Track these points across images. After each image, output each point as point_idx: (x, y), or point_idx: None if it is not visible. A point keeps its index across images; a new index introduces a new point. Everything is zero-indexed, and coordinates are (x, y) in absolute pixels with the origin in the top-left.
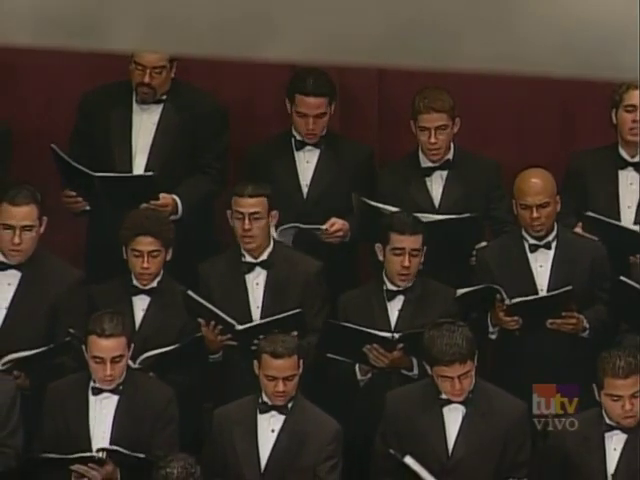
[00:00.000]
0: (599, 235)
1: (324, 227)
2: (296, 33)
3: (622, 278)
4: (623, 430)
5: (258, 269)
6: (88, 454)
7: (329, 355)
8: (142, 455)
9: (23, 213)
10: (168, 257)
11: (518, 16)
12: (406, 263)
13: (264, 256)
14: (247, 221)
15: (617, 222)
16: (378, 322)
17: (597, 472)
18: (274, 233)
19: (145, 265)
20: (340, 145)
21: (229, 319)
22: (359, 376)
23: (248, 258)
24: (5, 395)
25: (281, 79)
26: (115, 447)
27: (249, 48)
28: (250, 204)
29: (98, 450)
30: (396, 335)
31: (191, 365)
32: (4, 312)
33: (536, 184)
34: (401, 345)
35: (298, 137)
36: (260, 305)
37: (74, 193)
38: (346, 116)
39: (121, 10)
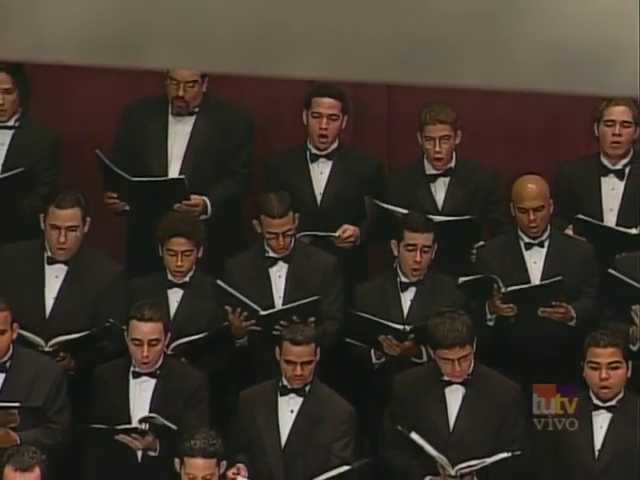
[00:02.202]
0: (588, 236)
1: (337, 234)
2: (314, 52)
3: (610, 270)
4: (608, 409)
5: (280, 263)
6: (131, 425)
7: (348, 340)
8: (175, 427)
9: (68, 215)
10: (199, 255)
11: (513, 38)
12: (418, 258)
13: (285, 251)
14: (281, 239)
15: (605, 224)
16: (392, 311)
17: (585, 448)
18: None
19: (179, 263)
20: (351, 157)
21: (254, 305)
22: (374, 360)
23: (271, 253)
24: (54, 376)
25: (299, 94)
26: (154, 415)
27: (271, 65)
28: (282, 224)
29: (140, 421)
30: (407, 327)
31: (218, 351)
32: (52, 302)
33: (532, 190)
34: (412, 336)
35: (313, 150)
36: (282, 295)
37: (115, 195)
38: (358, 127)
39: (156, 32)
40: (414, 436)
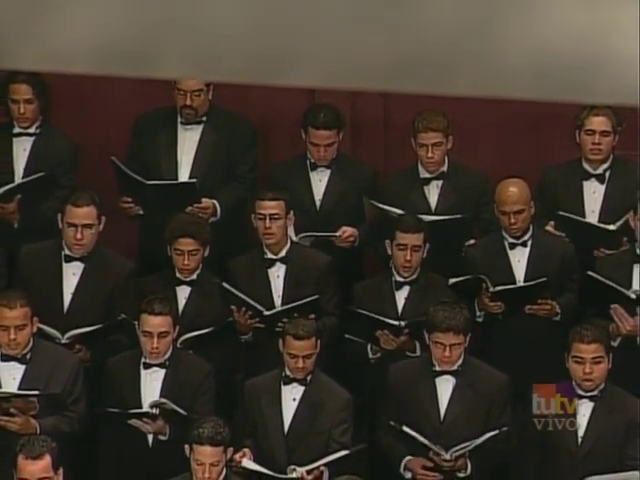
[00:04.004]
0: (569, 231)
1: (337, 234)
2: (314, 63)
3: (589, 273)
4: (590, 399)
5: (278, 264)
6: (143, 410)
7: (347, 336)
8: (184, 412)
9: (84, 213)
10: (205, 254)
11: (501, 49)
12: (408, 257)
13: (283, 253)
14: (268, 221)
15: (584, 219)
16: (387, 308)
17: (569, 435)
18: (292, 234)
19: (186, 262)
20: (348, 166)
21: (258, 306)
22: (370, 355)
23: (270, 255)
24: (71, 367)
25: (298, 104)
26: (163, 400)
27: (274, 76)
28: (270, 206)
29: (151, 406)
30: (402, 323)
31: (224, 344)
32: (70, 297)
33: (513, 194)
34: (407, 331)
35: (312, 160)
36: (281, 294)
37: (129, 199)
38: (356, 134)
39: (168, 44)
40: (406, 429)
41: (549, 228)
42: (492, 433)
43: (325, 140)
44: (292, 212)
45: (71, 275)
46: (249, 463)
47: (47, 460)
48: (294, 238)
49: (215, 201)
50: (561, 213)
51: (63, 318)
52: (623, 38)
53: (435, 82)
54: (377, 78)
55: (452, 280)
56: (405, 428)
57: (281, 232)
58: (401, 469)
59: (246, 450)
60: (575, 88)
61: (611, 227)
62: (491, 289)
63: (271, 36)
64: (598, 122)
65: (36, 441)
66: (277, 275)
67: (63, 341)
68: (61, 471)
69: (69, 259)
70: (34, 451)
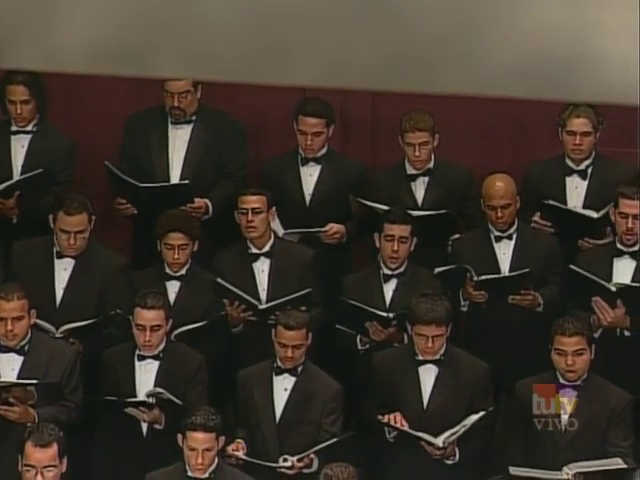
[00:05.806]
0: (554, 220)
1: (324, 230)
2: (305, 63)
3: (571, 266)
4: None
5: (262, 258)
6: (140, 399)
7: (338, 326)
8: (180, 402)
9: (76, 221)
10: (195, 249)
11: (485, 50)
12: (395, 247)
13: (267, 248)
14: (250, 215)
15: (569, 207)
16: (375, 300)
17: (555, 421)
18: (280, 229)
19: (176, 256)
20: (338, 162)
21: (253, 300)
22: (359, 346)
23: (254, 250)
24: (68, 359)
25: (288, 103)
26: (160, 390)
27: (266, 75)
28: (252, 200)
29: (148, 395)
30: (391, 315)
31: (216, 337)
32: (61, 292)
33: (500, 188)
34: (395, 322)
35: (303, 155)
36: (266, 288)
37: (124, 201)
38: (345, 132)
39: (160, 44)
40: (392, 422)
41: (536, 219)
42: (479, 414)
43: (312, 128)
44: (274, 208)
45: (62, 270)
46: (241, 456)
47: (54, 449)
48: (280, 234)
49: (207, 200)
50: (547, 202)
51: (55, 312)
52: (608, 38)
53: (423, 81)
54: (366, 77)
55: (437, 269)
56: (392, 422)
57: (263, 226)
58: (386, 431)
59: (239, 442)
60: (560, 87)
61: (594, 215)
62: (475, 278)
63: (263, 36)
64: (579, 124)
65: (45, 429)
66: (262, 269)
67: (57, 335)
68: (65, 460)
69: (60, 255)
70: (43, 439)
